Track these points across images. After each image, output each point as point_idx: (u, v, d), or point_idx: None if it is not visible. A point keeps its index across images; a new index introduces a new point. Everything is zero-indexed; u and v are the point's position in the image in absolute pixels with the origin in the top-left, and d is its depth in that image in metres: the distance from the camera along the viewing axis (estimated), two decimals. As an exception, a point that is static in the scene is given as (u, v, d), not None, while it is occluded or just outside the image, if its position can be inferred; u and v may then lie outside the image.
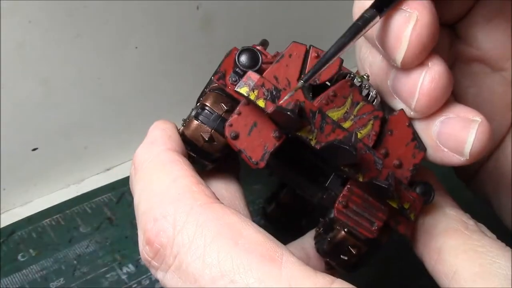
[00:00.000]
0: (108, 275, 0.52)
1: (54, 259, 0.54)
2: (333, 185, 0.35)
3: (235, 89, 0.33)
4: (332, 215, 0.34)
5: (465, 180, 0.42)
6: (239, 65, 0.35)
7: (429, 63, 0.30)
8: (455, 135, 0.31)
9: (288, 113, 0.30)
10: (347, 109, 0.34)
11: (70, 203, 0.62)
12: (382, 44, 0.31)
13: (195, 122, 0.35)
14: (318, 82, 0.35)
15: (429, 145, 0.33)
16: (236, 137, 0.33)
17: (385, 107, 0.36)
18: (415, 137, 0.34)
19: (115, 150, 0.69)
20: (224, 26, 0.74)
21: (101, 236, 0.57)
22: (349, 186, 0.33)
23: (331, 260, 0.35)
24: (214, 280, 0.25)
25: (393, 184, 0.31)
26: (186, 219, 0.27)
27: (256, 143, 0.33)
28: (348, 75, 0.35)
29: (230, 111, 0.34)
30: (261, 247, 0.26)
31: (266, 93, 0.32)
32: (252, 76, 0.32)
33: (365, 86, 0.35)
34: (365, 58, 0.36)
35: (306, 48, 0.36)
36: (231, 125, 0.33)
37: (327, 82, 0.35)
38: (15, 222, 0.59)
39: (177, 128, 0.36)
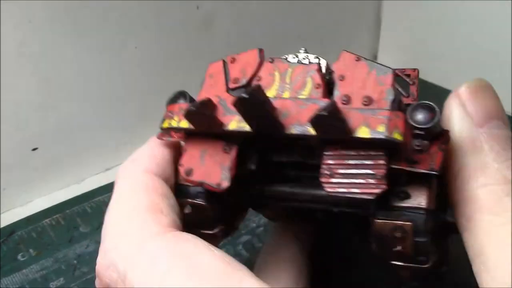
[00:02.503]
0: (108, 275, 0.52)
1: (54, 259, 0.54)
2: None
3: (160, 126, 0.31)
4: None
5: None
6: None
7: None
8: None
9: (192, 107, 0.28)
10: (278, 82, 0.30)
11: (70, 202, 0.62)
12: None
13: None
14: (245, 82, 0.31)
15: None
16: (190, 172, 0.31)
17: None
18: (373, 65, 0.29)
19: (115, 150, 0.69)
20: (224, 26, 0.74)
21: (101, 236, 0.57)
22: (325, 153, 0.28)
23: (390, 260, 0.29)
24: None
25: (331, 107, 0.25)
26: (138, 252, 0.26)
27: (211, 167, 0.30)
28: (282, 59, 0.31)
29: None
30: (216, 276, 0.24)
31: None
32: (168, 108, 0.31)
33: (301, 58, 0.31)
34: None
35: (223, 61, 0.33)
36: (182, 165, 0.31)
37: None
38: (15, 222, 0.59)
39: (174, 147, 0.34)
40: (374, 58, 0.98)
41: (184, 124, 0.31)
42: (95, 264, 0.55)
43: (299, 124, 0.27)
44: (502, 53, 0.77)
